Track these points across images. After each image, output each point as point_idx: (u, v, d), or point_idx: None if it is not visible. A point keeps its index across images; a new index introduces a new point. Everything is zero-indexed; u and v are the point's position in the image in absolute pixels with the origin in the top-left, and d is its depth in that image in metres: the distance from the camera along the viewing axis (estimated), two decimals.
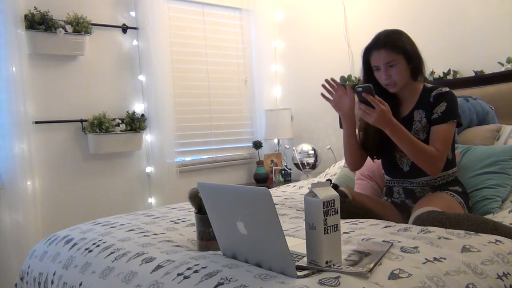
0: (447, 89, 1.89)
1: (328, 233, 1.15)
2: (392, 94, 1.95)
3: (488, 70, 2.76)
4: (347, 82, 3.45)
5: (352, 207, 1.86)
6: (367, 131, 1.99)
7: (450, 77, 2.92)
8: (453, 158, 1.97)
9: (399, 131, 1.77)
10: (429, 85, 1.95)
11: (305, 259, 1.21)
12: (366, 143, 2.02)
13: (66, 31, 2.86)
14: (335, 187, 1.95)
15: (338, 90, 1.95)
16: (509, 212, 1.86)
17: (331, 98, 1.97)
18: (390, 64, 1.84)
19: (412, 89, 1.95)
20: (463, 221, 1.57)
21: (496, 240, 1.45)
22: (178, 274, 1.24)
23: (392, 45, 1.84)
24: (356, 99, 1.81)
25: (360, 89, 1.73)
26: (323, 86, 1.97)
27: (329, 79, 1.96)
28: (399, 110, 1.96)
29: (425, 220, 1.62)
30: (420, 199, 1.92)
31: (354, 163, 2.04)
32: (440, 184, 1.93)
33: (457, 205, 1.85)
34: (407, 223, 1.76)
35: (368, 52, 1.91)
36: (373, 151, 2.02)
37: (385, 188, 2.15)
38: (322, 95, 1.99)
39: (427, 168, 1.83)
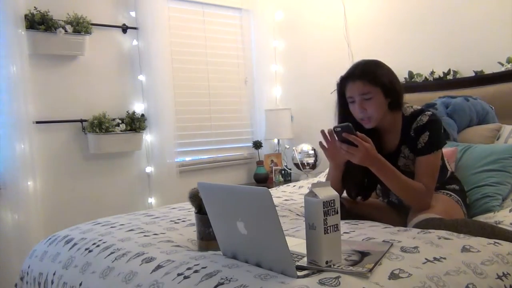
0: (427, 115, 1.76)
1: (328, 233, 1.16)
2: (373, 129, 1.84)
3: (488, 70, 2.76)
4: None
5: (348, 215, 1.81)
6: (349, 174, 1.87)
7: (450, 77, 2.92)
8: (443, 166, 1.92)
9: (385, 169, 1.69)
10: (408, 111, 1.82)
11: (305, 259, 1.21)
12: (351, 185, 1.92)
13: (66, 31, 2.86)
14: None
15: (334, 141, 1.80)
16: (510, 211, 1.87)
17: (326, 146, 1.83)
18: (365, 97, 1.72)
19: (391, 121, 1.83)
20: (461, 228, 1.55)
21: (495, 242, 1.45)
22: (178, 274, 1.24)
23: (369, 77, 1.72)
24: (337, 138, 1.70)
25: (339, 129, 1.61)
26: (322, 132, 1.82)
27: (326, 131, 1.80)
28: (383, 145, 1.87)
29: (423, 228, 1.61)
30: None
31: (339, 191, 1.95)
32: (437, 185, 1.89)
33: (454, 205, 1.84)
34: (405, 222, 1.77)
35: (343, 83, 1.80)
36: (358, 191, 1.95)
37: (380, 191, 2.11)
38: (320, 143, 1.84)
39: (415, 205, 1.76)
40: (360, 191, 1.96)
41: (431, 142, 1.74)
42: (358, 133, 1.63)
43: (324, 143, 1.81)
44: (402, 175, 1.72)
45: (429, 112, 1.78)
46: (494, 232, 1.55)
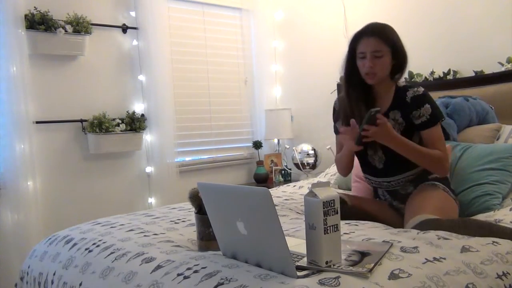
0: (423, 89, 1.89)
1: (328, 233, 1.16)
2: (367, 91, 1.95)
3: (488, 70, 2.76)
4: None
5: (351, 213, 1.85)
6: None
7: (450, 77, 2.92)
8: None
9: (403, 144, 1.80)
10: (401, 84, 1.95)
11: (305, 259, 1.21)
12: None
13: (66, 31, 2.86)
14: None
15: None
16: (510, 210, 1.87)
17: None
18: (376, 54, 1.83)
19: (387, 86, 1.94)
20: (459, 228, 1.56)
21: (493, 241, 1.45)
22: (178, 274, 1.24)
23: (384, 36, 1.84)
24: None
25: (372, 113, 1.74)
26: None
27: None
28: (374, 107, 1.95)
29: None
30: (408, 199, 1.90)
31: (347, 171, 2.07)
32: (418, 176, 1.93)
33: (443, 195, 1.86)
34: (402, 220, 1.77)
35: (357, 39, 1.89)
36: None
37: (373, 191, 2.15)
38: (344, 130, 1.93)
39: (438, 171, 1.87)
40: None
41: (434, 114, 1.86)
42: (378, 115, 1.75)
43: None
44: (420, 146, 1.83)
45: (422, 88, 1.90)
46: (492, 230, 1.56)
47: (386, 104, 1.93)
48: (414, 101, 1.86)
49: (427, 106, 1.85)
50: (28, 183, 2.73)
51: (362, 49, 1.86)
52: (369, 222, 1.76)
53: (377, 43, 1.82)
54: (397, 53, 1.86)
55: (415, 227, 1.64)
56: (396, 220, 1.90)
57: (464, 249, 1.36)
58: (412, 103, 1.86)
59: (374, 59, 1.84)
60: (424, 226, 1.62)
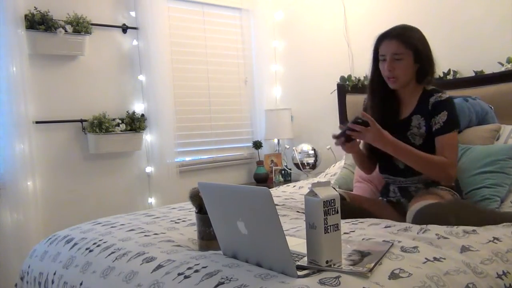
0: (446, 95, 1.87)
1: (328, 232, 1.16)
2: (393, 96, 1.95)
3: (488, 70, 2.76)
4: (347, 82, 3.45)
5: (349, 208, 1.86)
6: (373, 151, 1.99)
7: (450, 77, 2.92)
8: None
9: (397, 147, 1.79)
10: (429, 88, 1.93)
11: (305, 258, 1.21)
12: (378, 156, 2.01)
13: (66, 31, 2.86)
14: None
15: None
16: None
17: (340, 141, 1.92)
18: (396, 57, 1.83)
19: (412, 90, 1.93)
20: (459, 210, 1.62)
21: (494, 238, 1.46)
22: (179, 274, 1.24)
23: (404, 39, 1.83)
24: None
25: (359, 120, 1.76)
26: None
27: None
28: (399, 112, 1.96)
29: (422, 217, 1.64)
30: (415, 197, 1.92)
31: (368, 170, 2.10)
32: (433, 181, 1.93)
33: (449, 193, 1.88)
34: (402, 220, 1.78)
35: (379, 41, 1.90)
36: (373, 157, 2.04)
37: (382, 187, 2.16)
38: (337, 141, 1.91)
39: (440, 177, 1.85)
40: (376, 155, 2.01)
41: (449, 121, 1.83)
42: (364, 113, 1.75)
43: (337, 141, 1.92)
44: (419, 151, 1.79)
45: (446, 94, 1.88)
46: (491, 217, 1.61)
47: (409, 109, 1.93)
48: (434, 107, 1.85)
49: (444, 113, 1.83)
50: (28, 183, 2.73)
51: (383, 51, 1.88)
52: (368, 219, 1.76)
53: (396, 46, 1.83)
54: (420, 56, 1.84)
55: (418, 212, 1.67)
56: (394, 219, 1.91)
57: (464, 249, 1.36)
58: (432, 109, 1.86)
59: (394, 62, 1.84)
60: (424, 210, 1.65)
